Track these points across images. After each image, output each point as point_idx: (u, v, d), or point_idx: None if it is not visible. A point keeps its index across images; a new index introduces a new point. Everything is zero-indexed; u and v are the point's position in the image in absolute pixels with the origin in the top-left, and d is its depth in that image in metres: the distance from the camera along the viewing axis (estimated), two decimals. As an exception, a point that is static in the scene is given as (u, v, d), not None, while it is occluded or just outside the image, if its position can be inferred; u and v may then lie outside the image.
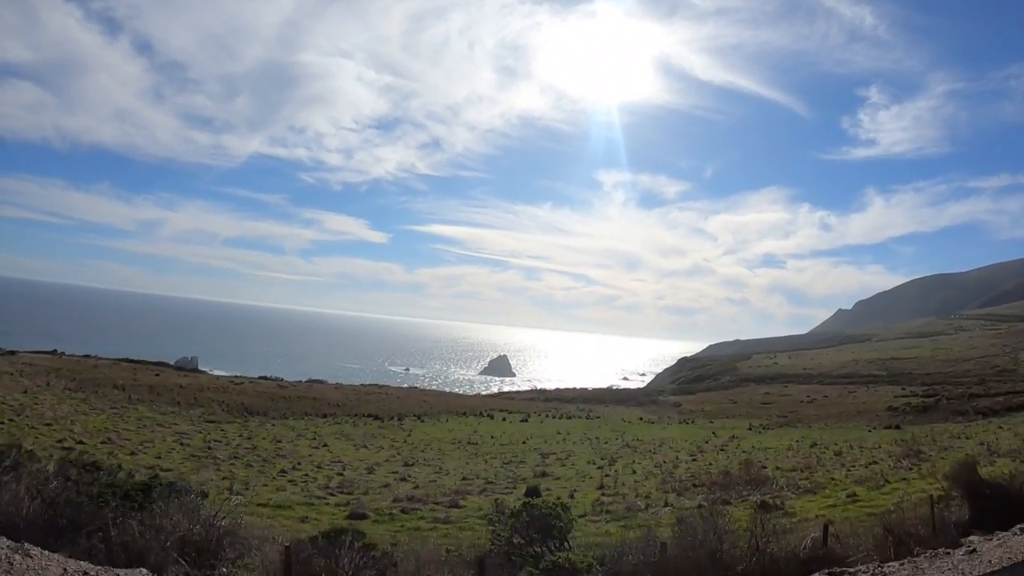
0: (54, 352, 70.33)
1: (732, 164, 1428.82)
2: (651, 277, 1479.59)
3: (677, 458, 32.46)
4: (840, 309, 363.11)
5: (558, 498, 13.00)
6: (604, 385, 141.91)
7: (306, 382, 79.58)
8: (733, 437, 46.01)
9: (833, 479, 21.23)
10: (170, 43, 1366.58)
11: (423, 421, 52.30)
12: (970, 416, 57.37)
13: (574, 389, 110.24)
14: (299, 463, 27.53)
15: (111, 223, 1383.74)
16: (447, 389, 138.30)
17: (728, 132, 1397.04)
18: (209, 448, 30.14)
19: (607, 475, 26.05)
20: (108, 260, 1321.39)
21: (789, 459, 29.28)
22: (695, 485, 21.63)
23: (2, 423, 28.33)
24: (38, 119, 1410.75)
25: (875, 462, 25.85)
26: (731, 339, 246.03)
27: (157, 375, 64.48)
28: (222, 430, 38.01)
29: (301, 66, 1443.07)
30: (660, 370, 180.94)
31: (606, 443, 41.34)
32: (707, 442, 41.45)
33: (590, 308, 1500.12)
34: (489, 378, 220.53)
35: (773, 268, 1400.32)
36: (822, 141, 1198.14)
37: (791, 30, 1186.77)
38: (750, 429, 52.93)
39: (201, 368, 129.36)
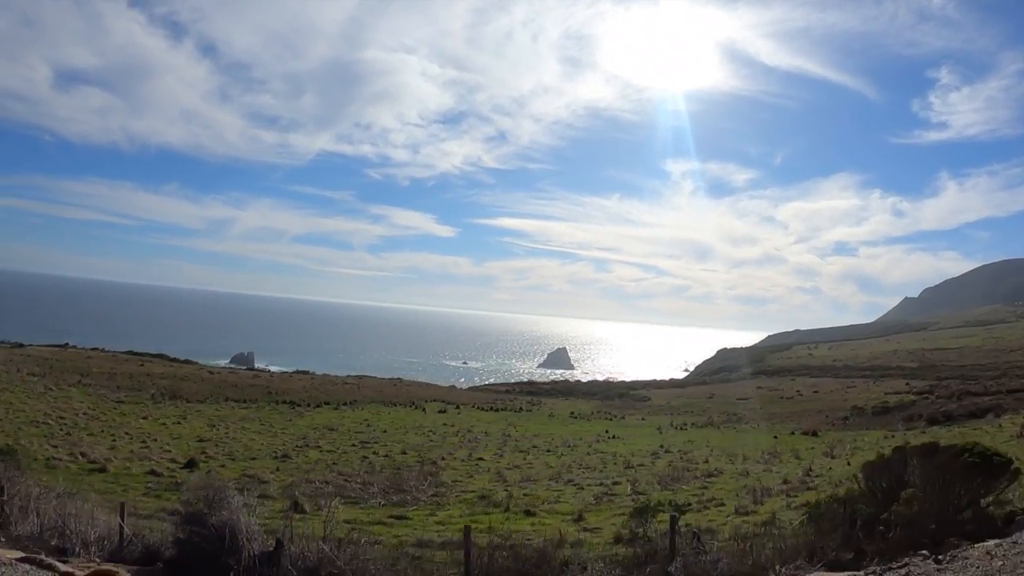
0: (65, 345, 77.63)
1: (802, 150, 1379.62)
2: (722, 267, 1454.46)
3: (471, 455, 33.63)
4: (906, 297, 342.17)
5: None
6: (663, 377, 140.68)
7: (292, 373, 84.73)
8: (613, 436, 46.09)
9: (525, 496, 20.97)
10: (234, 44, 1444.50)
11: (338, 409, 55.39)
12: (913, 423, 53.50)
13: (568, 382, 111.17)
14: (104, 431, 32.51)
15: (181, 223, 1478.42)
16: (500, 381, 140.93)
17: (797, 118, 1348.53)
18: (62, 417, 35.42)
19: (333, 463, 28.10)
20: (178, 259, 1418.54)
21: (557, 468, 29.48)
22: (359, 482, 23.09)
23: None
24: (106, 123, 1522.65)
25: (620, 483, 25.14)
26: (802, 328, 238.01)
27: (141, 365, 70.87)
28: (115, 407, 43.30)
29: (365, 63, 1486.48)
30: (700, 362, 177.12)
31: (458, 435, 42.92)
32: (564, 442, 41.75)
33: (661, 299, 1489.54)
34: (548, 371, 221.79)
35: (845, 256, 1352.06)
36: (892, 125, 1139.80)
37: (859, 12, 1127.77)
38: (658, 430, 52.18)
39: (258, 363, 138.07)
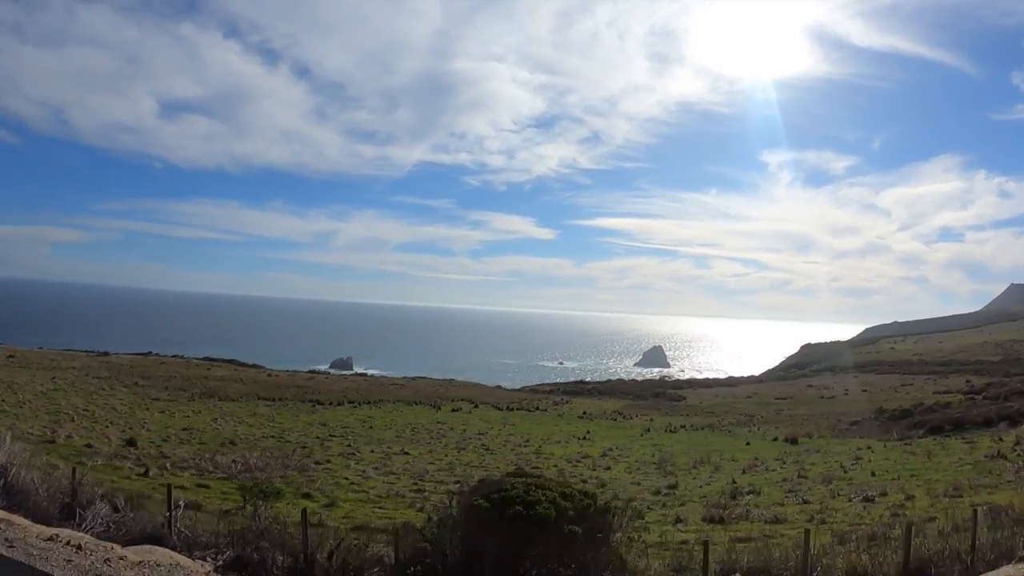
0: (147, 353, 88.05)
1: (900, 133, 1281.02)
2: (824, 259, 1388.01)
3: (403, 450, 37.30)
4: (1012, 283, 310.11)
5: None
6: (750, 373, 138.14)
7: (349, 375, 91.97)
8: (586, 438, 47.63)
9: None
10: (327, 65, 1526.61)
11: (357, 407, 60.85)
12: (910, 431, 49.90)
13: (622, 381, 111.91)
14: (108, 419, 38.79)
15: (287, 237, 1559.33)
16: (594, 380, 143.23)
17: (892, 99, 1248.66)
18: (86, 409, 42.15)
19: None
20: (286, 271, 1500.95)
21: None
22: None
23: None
24: (211, 147, 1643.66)
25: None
26: (902, 320, 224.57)
27: (208, 369, 79.78)
28: (147, 404, 50.25)
29: (456, 73, 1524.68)
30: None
31: (429, 433, 46.58)
32: (521, 442, 44.13)
33: (762, 294, 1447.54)
34: (644, 370, 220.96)
35: (951, 242, 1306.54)
36: (993, 100, 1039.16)
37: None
38: (643, 433, 52.57)
39: (357, 367, 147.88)
